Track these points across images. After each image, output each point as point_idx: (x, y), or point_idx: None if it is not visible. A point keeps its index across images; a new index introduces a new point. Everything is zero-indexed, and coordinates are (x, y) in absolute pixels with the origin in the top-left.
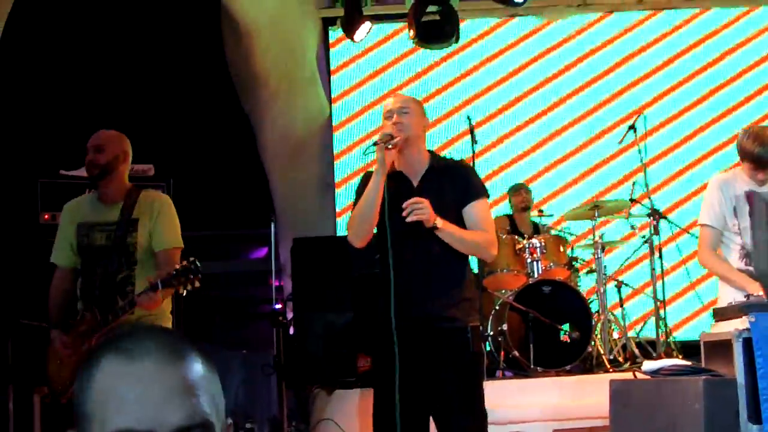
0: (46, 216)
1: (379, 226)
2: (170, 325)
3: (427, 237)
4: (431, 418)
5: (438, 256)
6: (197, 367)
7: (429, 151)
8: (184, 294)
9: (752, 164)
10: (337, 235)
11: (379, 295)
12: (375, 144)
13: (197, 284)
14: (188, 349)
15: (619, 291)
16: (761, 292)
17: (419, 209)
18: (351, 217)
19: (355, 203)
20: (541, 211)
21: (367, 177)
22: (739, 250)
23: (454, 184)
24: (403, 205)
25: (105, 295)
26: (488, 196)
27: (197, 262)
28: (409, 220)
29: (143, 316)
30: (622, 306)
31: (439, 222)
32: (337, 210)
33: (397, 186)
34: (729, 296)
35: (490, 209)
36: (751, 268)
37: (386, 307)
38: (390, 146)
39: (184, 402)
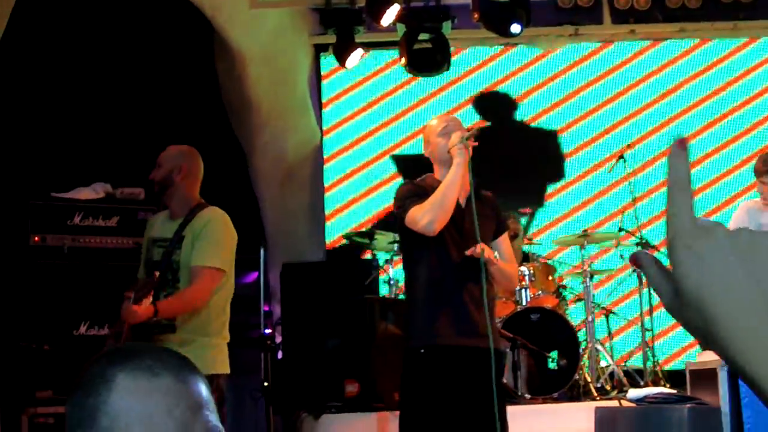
0: (36, 238)
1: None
2: (219, 348)
3: (472, 258)
4: None
5: (480, 276)
6: (205, 384)
7: None
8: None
9: (759, 180)
10: (326, 261)
11: (424, 313)
12: (464, 138)
13: (149, 299)
14: (195, 367)
15: (607, 321)
16: None
17: (481, 254)
18: (422, 207)
19: (408, 204)
20: (530, 239)
21: (411, 183)
22: None
23: (491, 215)
24: (468, 253)
25: None
26: (508, 229)
27: (154, 278)
28: (466, 142)
29: (189, 339)
30: (610, 335)
31: (496, 258)
32: (327, 242)
33: None
34: None
35: None
36: None
37: (436, 323)
38: (469, 145)
39: (203, 416)
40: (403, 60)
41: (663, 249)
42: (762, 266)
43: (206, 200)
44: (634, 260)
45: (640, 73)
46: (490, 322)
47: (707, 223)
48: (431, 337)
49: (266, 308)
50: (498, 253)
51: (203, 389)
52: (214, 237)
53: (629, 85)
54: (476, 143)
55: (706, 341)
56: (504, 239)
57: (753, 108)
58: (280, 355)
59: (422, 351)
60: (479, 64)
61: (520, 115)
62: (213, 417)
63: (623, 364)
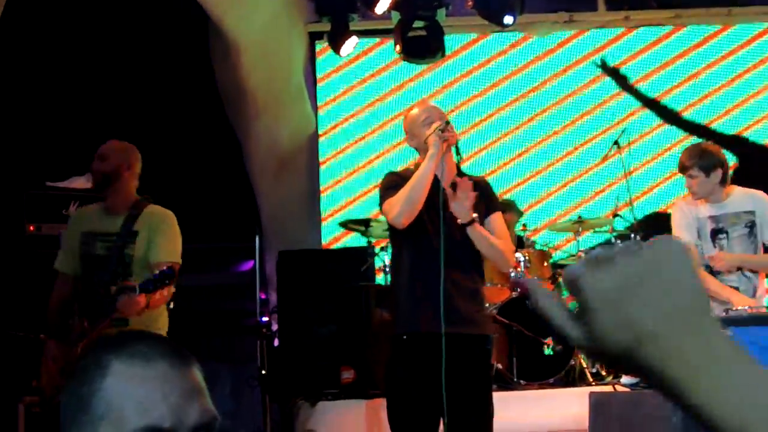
0: (32, 227)
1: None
2: None
3: (460, 245)
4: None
5: (464, 262)
6: (199, 370)
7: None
8: (171, 306)
9: (686, 174)
10: (323, 248)
11: (406, 300)
12: (441, 130)
13: (173, 289)
14: (189, 353)
15: None
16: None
17: (468, 198)
18: (395, 199)
19: (385, 196)
20: (525, 225)
21: (393, 173)
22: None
23: (479, 195)
24: (458, 183)
25: (100, 305)
26: (503, 209)
27: (173, 268)
28: (453, 205)
29: (135, 325)
30: None
31: (477, 218)
32: (323, 215)
33: (431, 186)
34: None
35: None
36: None
37: (413, 310)
38: (446, 138)
39: (198, 401)
40: (398, 47)
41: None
42: (673, 277)
43: (202, 190)
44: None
45: (626, 54)
46: (443, 303)
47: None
48: (413, 324)
49: (262, 296)
50: (492, 231)
51: (198, 375)
52: (173, 233)
53: (618, 63)
54: (454, 133)
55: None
56: (496, 217)
57: (733, 89)
58: (276, 342)
59: (405, 338)
60: (469, 42)
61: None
62: (208, 402)
63: None
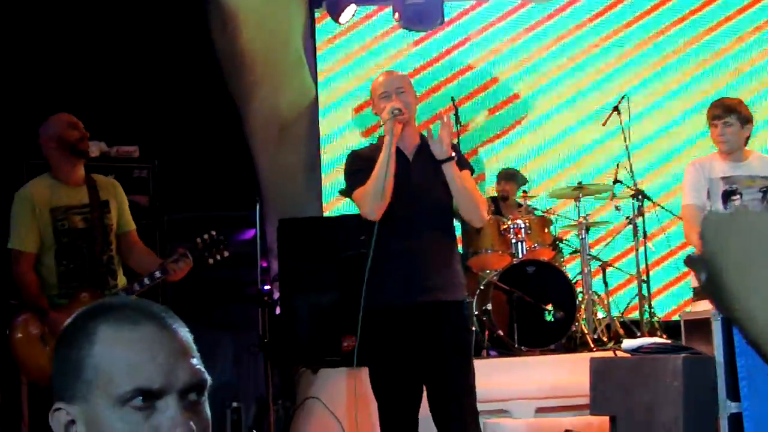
0: None
1: None
2: None
3: (426, 212)
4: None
5: (436, 232)
6: (187, 331)
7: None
8: (212, 263)
9: (712, 123)
10: (324, 216)
11: (375, 272)
12: (393, 114)
13: (226, 254)
14: (175, 315)
15: (604, 273)
16: None
17: (443, 136)
18: (363, 192)
19: (352, 183)
20: (525, 192)
21: (355, 155)
22: None
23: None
24: (444, 120)
25: (96, 275)
26: (473, 171)
27: (223, 235)
28: (433, 142)
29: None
30: (606, 287)
31: (455, 158)
32: (323, 179)
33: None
34: None
35: None
36: None
37: (385, 283)
38: (400, 120)
39: (187, 362)
40: (396, 14)
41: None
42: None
43: (202, 158)
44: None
45: (629, 17)
46: (413, 273)
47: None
48: (381, 295)
49: (263, 264)
50: None
51: (184, 336)
52: (126, 201)
53: (620, 26)
54: (404, 117)
55: (737, 323)
56: (465, 174)
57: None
58: (277, 310)
59: (373, 310)
60: (469, 7)
61: (502, 63)
62: (197, 363)
63: (620, 314)
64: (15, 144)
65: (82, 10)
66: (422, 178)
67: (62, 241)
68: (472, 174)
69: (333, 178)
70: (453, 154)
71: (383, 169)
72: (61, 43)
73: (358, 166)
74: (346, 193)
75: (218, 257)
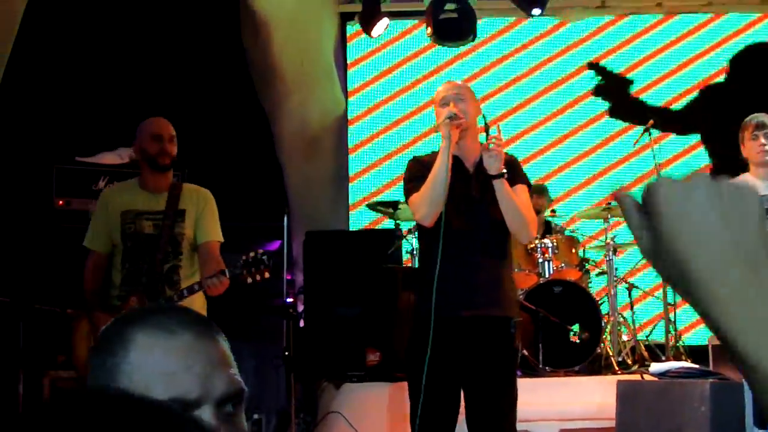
0: (61, 202)
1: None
2: None
3: (483, 226)
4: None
5: (491, 248)
6: (226, 341)
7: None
8: (250, 282)
9: (751, 134)
10: (350, 229)
11: (426, 283)
12: (448, 118)
13: (267, 275)
14: (215, 325)
15: (629, 293)
16: None
17: (497, 151)
18: (419, 197)
19: (409, 189)
20: (554, 211)
21: (416, 161)
22: None
23: (508, 175)
24: (491, 136)
25: (151, 283)
26: (528, 186)
27: (267, 255)
28: (486, 157)
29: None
30: (632, 308)
31: (506, 174)
32: (350, 203)
33: (453, 171)
34: None
35: None
36: None
37: (435, 294)
38: (456, 125)
39: (224, 372)
40: (429, 29)
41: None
42: (741, 217)
43: (230, 168)
44: (617, 199)
45: (663, 42)
46: (464, 287)
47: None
48: (430, 306)
49: (288, 276)
50: None
51: (223, 346)
52: (215, 213)
53: (650, 54)
54: (460, 122)
55: (680, 292)
56: (520, 189)
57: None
58: (301, 323)
59: (424, 322)
60: (503, 28)
61: (538, 83)
62: (235, 372)
63: (645, 338)
64: (45, 148)
65: (116, 17)
66: (482, 192)
67: (127, 245)
68: (529, 189)
69: (360, 191)
70: (504, 170)
71: (439, 175)
72: (94, 50)
73: (417, 172)
74: (404, 198)
75: (258, 278)
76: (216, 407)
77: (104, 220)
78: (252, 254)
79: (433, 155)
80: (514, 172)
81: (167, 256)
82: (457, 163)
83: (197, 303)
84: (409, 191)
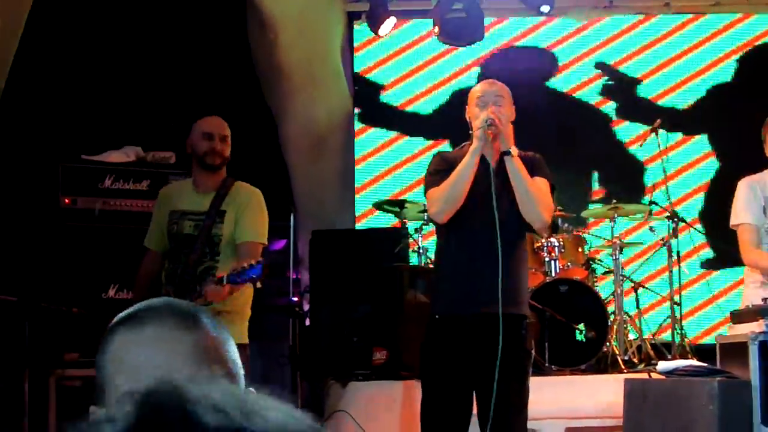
0: (67, 200)
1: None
2: (245, 321)
3: (500, 224)
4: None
5: (507, 246)
6: (207, 333)
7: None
8: (259, 286)
9: None
10: (356, 228)
11: (442, 280)
12: (486, 124)
13: (259, 285)
14: (199, 317)
15: (636, 296)
16: None
17: (497, 123)
18: (437, 192)
19: (429, 183)
20: (561, 209)
21: (440, 156)
22: (766, 249)
23: (528, 169)
24: (488, 112)
25: (185, 284)
26: (552, 183)
27: (264, 265)
28: (485, 127)
29: (220, 310)
30: (638, 308)
31: (515, 150)
32: (357, 214)
33: (477, 169)
34: (752, 299)
35: None
36: None
37: (450, 291)
38: (493, 132)
39: (191, 364)
40: (437, 29)
41: (695, 225)
42: None
43: (237, 167)
44: None
45: (676, 50)
46: (481, 284)
47: None
48: (448, 304)
49: (294, 275)
50: None
51: (199, 337)
52: (259, 213)
53: (664, 61)
54: (499, 126)
55: None
56: (539, 180)
57: None
58: (307, 322)
59: (437, 318)
60: (516, 36)
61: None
62: (214, 367)
63: (652, 337)
64: (51, 147)
65: (123, 16)
66: (501, 190)
67: (171, 245)
68: (551, 185)
69: (366, 190)
70: (512, 148)
71: (463, 175)
72: (101, 48)
73: (440, 167)
74: (423, 191)
75: (257, 285)
76: None
77: (157, 219)
78: (252, 261)
79: (460, 152)
80: (535, 166)
81: (203, 256)
82: (481, 160)
83: (241, 300)
84: (428, 185)
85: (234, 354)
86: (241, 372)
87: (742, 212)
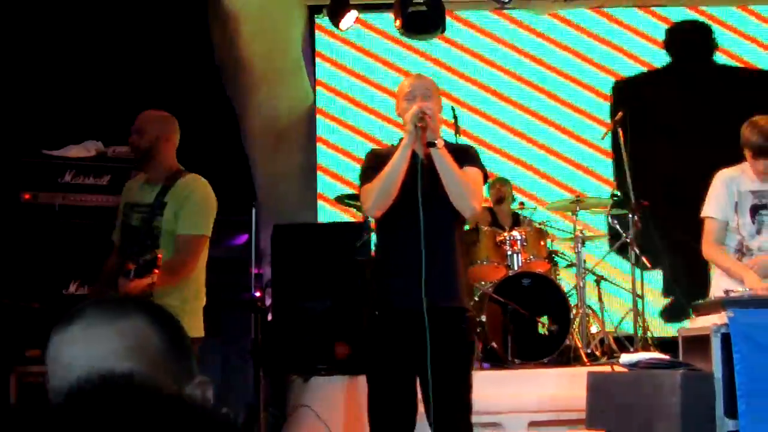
0: (27, 196)
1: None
2: (195, 315)
3: (433, 217)
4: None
5: (442, 240)
6: (132, 325)
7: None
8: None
9: (751, 153)
10: (318, 222)
11: (381, 276)
12: (417, 118)
13: (155, 278)
14: (125, 309)
15: (598, 285)
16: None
17: (428, 114)
18: (369, 188)
19: (362, 179)
20: (522, 203)
21: (372, 153)
22: (735, 246)
23: (457, 162)
24: (416, 106)
25: (126, 276)
26: (485, 174)
27: (157, 255)
28: (415, 121)
29: (169, 304)
30: (600, 301)
31: (440, 142)
32: (319, 191)
33: (408, 165)
34: (721, 291)
35: None
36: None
37: (391, 288)
38: (422, 125)
39: (108, 357)
40: (398, 22)
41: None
42: None
43: (197, 162)
44: None
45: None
46: (417, 278)
47: None
48: (385, 301)
49: (256, 270)
50: None
51: (122, 330)
52: (199, 204)
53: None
54: (429, 121)
55: None
56: (470, 169)
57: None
58: (270, 317)
59: (377, 314)
60: (475, 22)
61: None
62: (129, 361)
63: (614, 329)
64: (10, 142)
65: (82, 8)
66: (432, 184)
67: (121, 238)
68: (484, 176)
69: (329, 184)
70: (438, 141)
71: (394, 169)
72: (59, 41)
73: (372, 163)
74: (359, 188)
75: (151, 280)
76: None
77: (119, 212)
78: (152, 254)
79: (392, 149)
80: (467, 156)
81: (144, 249)
82: (412, 157)
83: (185, 293)
84: (362, 181)
85: (165, 343)
86: (181, 363)
87: (710, 205)
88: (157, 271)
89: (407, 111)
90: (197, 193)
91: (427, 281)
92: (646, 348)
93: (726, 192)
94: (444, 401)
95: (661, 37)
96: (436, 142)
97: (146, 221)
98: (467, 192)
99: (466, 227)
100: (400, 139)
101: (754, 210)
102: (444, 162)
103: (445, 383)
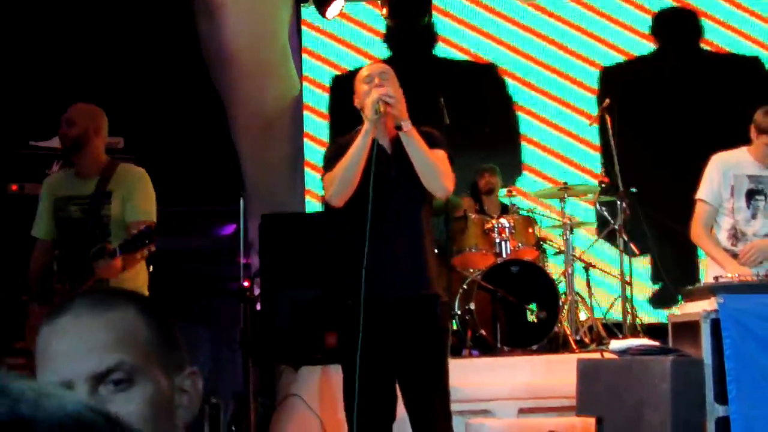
0: (14, 187)
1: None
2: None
3: (401, 204)
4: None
5: (411, 227)
6: (122, 316)
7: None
8: (151, 270)
9: (759, 133)
10: (306, 212)
11: (348, 265)
12: (381, 101)
13: (153, 248)
14: (114, 301)
15: (587, 272)
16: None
17: (390, 97)
18: (331, 176)
19: (325, 168)
20: (510, 191)
21: (335, 142)
22: (729, 229)
23: (426, 137)
24: (376, 90)
25: (80, 267)
26: (450, 156)
27: (151, 228)
28: (376, 108)
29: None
30: (589, 287)
31: (407, 124)
32: (306, 188)
33: (370, 152)
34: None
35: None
36: (737, 249)
37: (357, 276)
38: (383, 110)
39: (97, 349)
40: (384, 10)
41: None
42: None
43: (185, 152)
44: None
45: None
46: (384, 268)
47: None
48: (356, 290)
49: (245, 260)
50: None
51: (110, 321)
52: (148, 192)
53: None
54: (389, 105)
55: None
56: (438, 152)
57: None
58: (258, 306)
59: (350, 303)
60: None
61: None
62: (104, 351)
63: (603, 316)
64: None
65: (66, 0)
66: (399, 171)
67: (60, 231)
68: (450, 158)
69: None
70: (404, 123)
71: (354, 156)
72: (46, 33)
73: (335, 152)
74: (322, 176)
75: (146, 253)
76: (90, 387)
77: (43, 208)
78: (141, 227)
79: (353, 135)
80: (433, 139)
81: (93, 239)
82: (375, 143)
83: (139, 280)
84: (325, 169)
85: (155, 333)
86: (171, 352)
87: (703, 188)
88: (151, 245)
89: (365, 95)
90: (143, 181)
91: (397, 270)
92: (634, 334)
93: (719, 176)
94: (420, 389)
95: (645, 29)
96: (402, 124)
97: (91, 212)
98: (438, 172)
99: (456, 217)
100: (360, 127)
101: (750, 195)
102: (413, 143)
103: (421, 371)
